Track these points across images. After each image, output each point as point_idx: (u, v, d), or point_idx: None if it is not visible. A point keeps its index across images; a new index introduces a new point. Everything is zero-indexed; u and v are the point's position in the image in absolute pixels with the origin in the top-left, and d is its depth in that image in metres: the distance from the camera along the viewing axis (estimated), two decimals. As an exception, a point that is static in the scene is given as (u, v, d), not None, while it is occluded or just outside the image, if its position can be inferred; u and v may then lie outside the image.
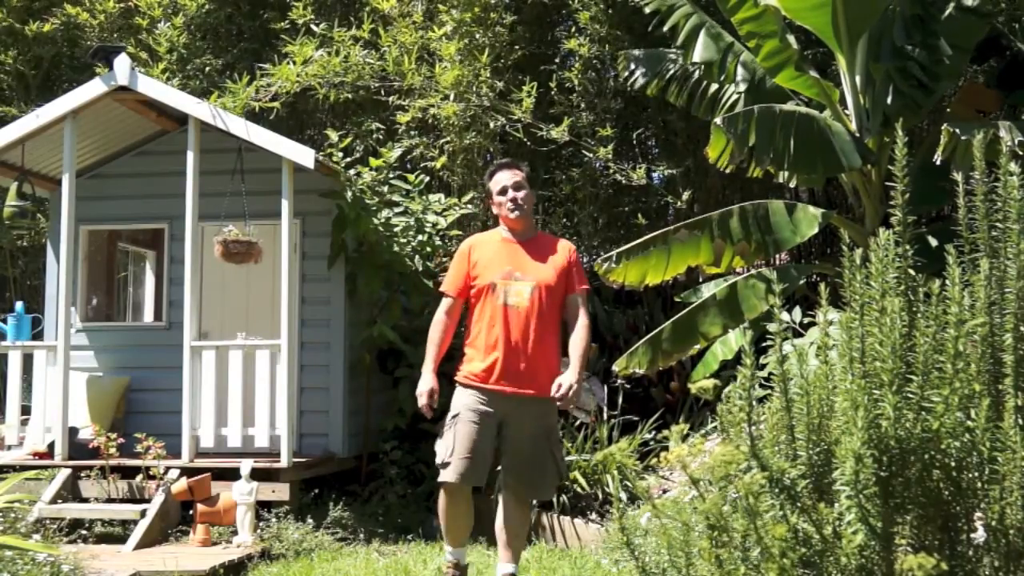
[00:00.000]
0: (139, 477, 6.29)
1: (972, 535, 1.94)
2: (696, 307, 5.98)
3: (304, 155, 6.43)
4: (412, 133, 7.94)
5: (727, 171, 5.90)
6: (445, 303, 4.24)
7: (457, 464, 3.93)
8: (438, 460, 4.01)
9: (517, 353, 4.01)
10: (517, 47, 8.25)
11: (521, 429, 4.03)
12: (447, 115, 7.51)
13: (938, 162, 5.14)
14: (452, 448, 3.95)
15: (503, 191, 4.18)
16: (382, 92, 7.88)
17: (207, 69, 9.11)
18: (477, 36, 7.77)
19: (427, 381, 4.07)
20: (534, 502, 4.06)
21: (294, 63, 7.40)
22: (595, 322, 8.32)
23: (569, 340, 4.14)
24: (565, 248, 4.26)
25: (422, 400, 4.05)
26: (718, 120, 5.44)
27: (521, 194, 4.18)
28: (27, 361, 7.03)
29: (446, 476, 3.95)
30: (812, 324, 5.10)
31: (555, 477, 4.09)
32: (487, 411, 4.01)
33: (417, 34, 7.81)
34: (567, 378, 3.95)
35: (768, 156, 5.47)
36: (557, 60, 8.76)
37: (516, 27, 8.30)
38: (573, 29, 8.02)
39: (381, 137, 8.28)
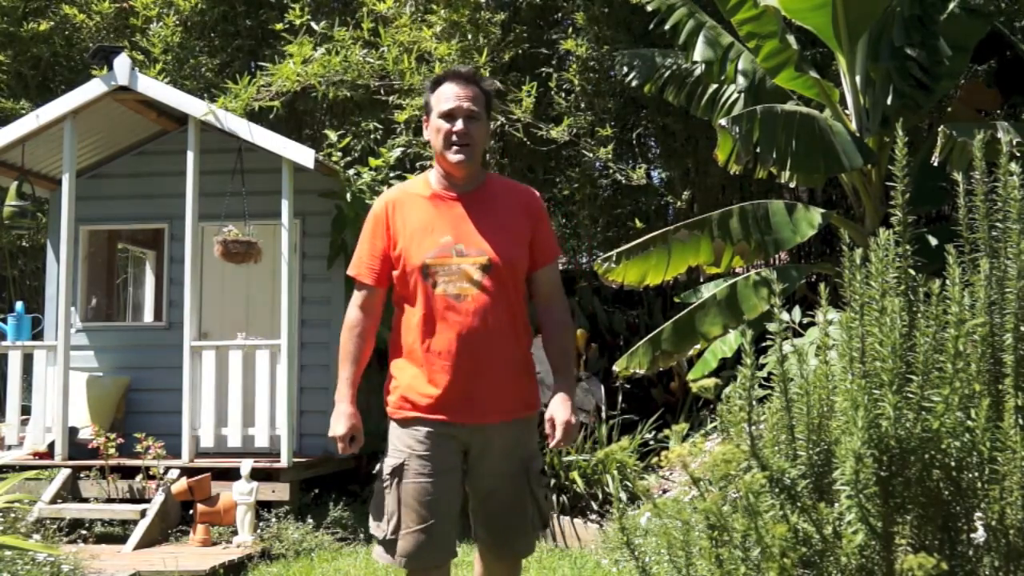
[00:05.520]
0: (139, 477, 6.30)
1: (972, 535, 1.94)
2: (696, 307, 5.98)
3: (304, 155, 6.44)
4: (410, 133, 7.94)
5: (734, 172, 5.91)
6: (358, 295, 2.97)
7: (407, 542, 2.69)
8: (374, 531, 2.79)
9: (472, 368, 2.75)
10: (513, 47, 8.24)
11: (489, 466, 2.81)
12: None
13: (935, 164, 5.15)
14: (396, 517, 2.73)
15: (448, 116, 2.76)
16: (381, 91, 7.88)
17: (203, 69, 9.11)
18: (470, 36, 7.77)
19: (343, 418, 2.93)
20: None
21: (293, 63, 7.39)
22: (595, 322, 8.34)
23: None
24: (524, 198, 2.90)
25: (340, 446, 2.93)
26: (722, 121, 5.43)
27: (471, 127, 2.76)
28: (27, 361, 7.04)
29: (385, 557, 2.75)
30: (812, 324, 5.10)
31: (537, 525, 2.85)
32: (441, 455, 2.77)
33: (412, 34, 7.81)
34: (558, 411, 2.73)
35: (772, 156, 5.47)
36: (555, 60, 8.76)
37: (513, 27, 8.30)
38: (571, 30, 8.01)
39: (379, 137, 8.28)
